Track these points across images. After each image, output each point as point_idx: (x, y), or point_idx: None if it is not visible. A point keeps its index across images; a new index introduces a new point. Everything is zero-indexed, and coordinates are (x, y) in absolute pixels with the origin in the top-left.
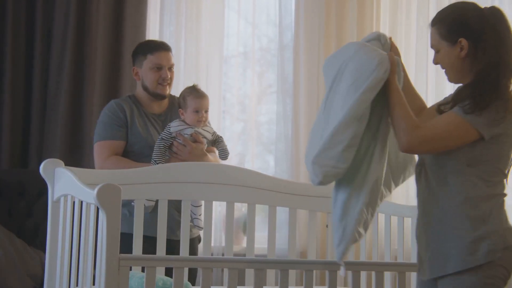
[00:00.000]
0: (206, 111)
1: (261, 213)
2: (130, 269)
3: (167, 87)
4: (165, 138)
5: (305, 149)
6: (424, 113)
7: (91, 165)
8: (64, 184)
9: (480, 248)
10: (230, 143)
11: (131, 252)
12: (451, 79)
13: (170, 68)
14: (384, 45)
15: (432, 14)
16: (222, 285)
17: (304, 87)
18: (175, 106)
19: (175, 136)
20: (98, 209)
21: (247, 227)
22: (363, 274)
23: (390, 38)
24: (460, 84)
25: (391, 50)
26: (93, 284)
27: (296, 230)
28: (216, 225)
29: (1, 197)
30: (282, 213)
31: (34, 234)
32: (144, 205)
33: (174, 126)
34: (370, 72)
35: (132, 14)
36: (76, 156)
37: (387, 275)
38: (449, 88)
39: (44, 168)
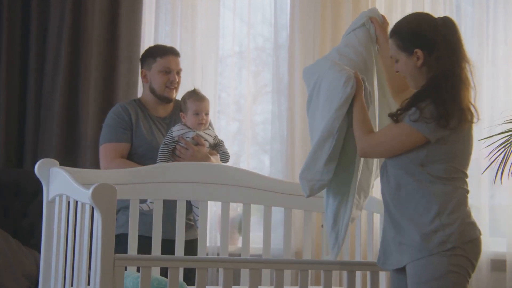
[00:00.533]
0: (207, 114)
1: (256, 213)
2: (125, 269)
3: (174, 91)
4: (168, 143)
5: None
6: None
7: (86, 165)
8: (59, 184)
9: (433, 239)
10: (225, 143)
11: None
12: (411, 86)
13: (178, 73)
14: (370, 29)
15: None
16: (217, 285)
17: (299, 86)
18: (180, 110)
19: (177, 140)
20: (93, 209)
21: (242, 227)
22: (358, 274)
23: (383, 16)
24: None
25: (380, 28)
26: (88, 284)
27: (291, 230)
28: (211, 225)
29: None
30: (277, 213)
31: (29, 234)
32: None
33: (176, 130)
34: (339, 90)
35: (127, 14)
36: (71, 156)
37: (382, 275)
38: None
39: (39, 168)
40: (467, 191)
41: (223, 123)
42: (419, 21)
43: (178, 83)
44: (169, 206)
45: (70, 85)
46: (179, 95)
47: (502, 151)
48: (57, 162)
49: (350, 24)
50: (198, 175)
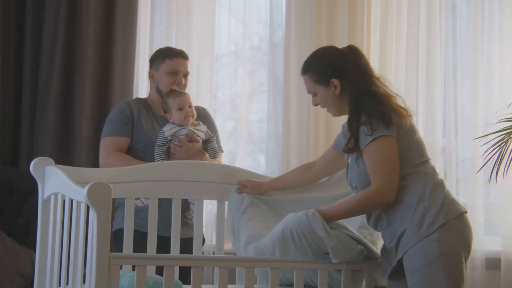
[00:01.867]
0: (190, 106)
1: None
2: (121, 268)
3: None
4: (161, 144)
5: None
6: (325, 155)
7: (81, 164)
8: (55, 182)
9: (423, 225)
10: (221, 142)
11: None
12: (334, 115)
13: (185, 75)
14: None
15: (423, 13)
16: (212, 283)
17: (295, 85)
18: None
19: (170, 139)
20: (88, 207)
21: None
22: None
23: None
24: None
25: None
26: (84, 282)
27: None
28: (207, 223)
29: None
30: None
31: (25, 232)
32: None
33: (168, 129)
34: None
35: (122, 13)
36: (67, 154)
37: None
38: (440, 87)
39: (34, 166)
40: (437, 172)
41: (218, 122)
42: (328, 54)
43: (185, 85)
44: (165, 204)
45: (65, 84)
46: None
47: (497, 150)
48: (52, 161)
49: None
50: (193, 173)
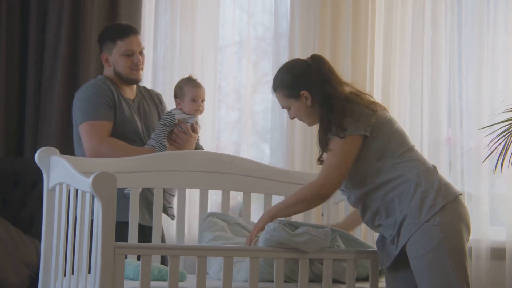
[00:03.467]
0: (203, 101)
1: (256, 201)
2: (126, 258)
3: (140, 71)
4: (168, 124)
5: None
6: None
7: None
8: (59, 172)
9: (423, 208)
10: (225, 132)
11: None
12: (310, 124)
13: (141, 52)
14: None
15: (428, 3)
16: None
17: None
18: (143, 95)
19: (177, 123)
20: (93, 197)
21: (243, 215)
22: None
23: None
24: None
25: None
26: (89, 272)
27: (292, 219)
28: None
29: None
30: (277, 201)
31: (29, 222)
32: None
33: (178, 113)
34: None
35: (127, 3)
36: (71, 144)
37: None
38: (445, 77)
39: (39, 156)
40: (425, 159)
41: (222, 113)
42: (293, 68)
43: (143, 63)
44: (148, 193)
45: (69, 74)
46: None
47: (503, 140)
48: (57, 151)
49: None
50: (198, 164)
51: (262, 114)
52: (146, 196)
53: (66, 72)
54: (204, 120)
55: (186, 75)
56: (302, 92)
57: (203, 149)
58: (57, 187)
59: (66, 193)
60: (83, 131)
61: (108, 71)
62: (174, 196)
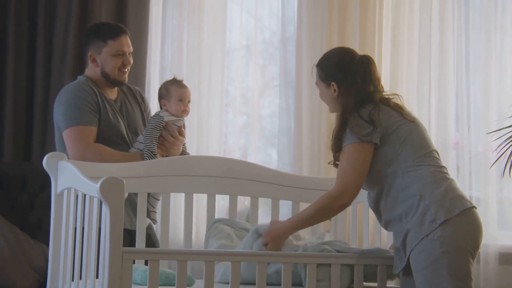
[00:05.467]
0: (189, 102)
1: (264, 206)
2: (134, 262)
3: (126, 73)
4: (158, 128)
5: None
6: None
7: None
8: (67, 177)
9: (425, 222)
10: (232, 137)
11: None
12: (331, 111)
13: (130, 54)
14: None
15: (436, 6)
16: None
17: (307, 80)
18: (125, 94)
19: (164, 126)
20: (101, 202)
21: (250, 220)
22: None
23: None
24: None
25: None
26: (97, 277)
27: None
28: None
29: (4, 190)
30: (285, 206)
31: (37, 227)
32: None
33: (166, 115)
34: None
35: (134, 8)
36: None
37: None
38: (452, 81)
39: (47, 161)
40: (441, 167)
41: (230, 117)
42: (339, 57)
43: (130, 64)
44: (134, 197)
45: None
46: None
47: (511, 145)
48: (65, 156)
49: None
50: (205, 168)
51: (269, 118)
52: (133, 200)
53: (74, 77)
54: (212, 124)
55: (197, 82)
56: (333, 83)
57: (189, 154)
58: (65, 192)
59: (74, 198)
60: (67, 137)
61: (91, 71)
62: (158, 200)
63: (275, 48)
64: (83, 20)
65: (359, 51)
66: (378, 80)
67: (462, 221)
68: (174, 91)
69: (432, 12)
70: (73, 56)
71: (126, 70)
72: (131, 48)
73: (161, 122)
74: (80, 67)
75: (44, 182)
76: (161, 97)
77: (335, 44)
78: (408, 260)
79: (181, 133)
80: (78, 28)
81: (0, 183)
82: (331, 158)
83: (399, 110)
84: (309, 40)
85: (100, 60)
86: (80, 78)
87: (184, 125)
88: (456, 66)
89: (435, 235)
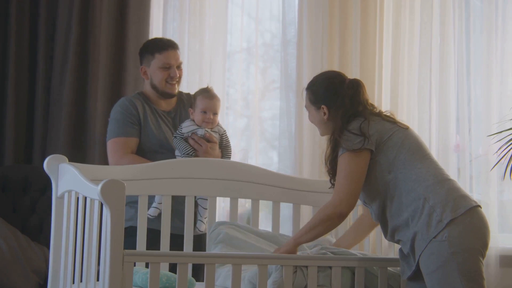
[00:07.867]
0: (215, 114)
1: (264, 208)
2: (134, 265)
3: (176, 85)
4: (178, 138)
5: None
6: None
7: (95, 161)
8: (68, 180)
9: (431, 224)
10: (233, 139)
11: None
12: (321, 134)
13: (179, 67)
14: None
15: (436, 9)
16: None
17: (307, 82)
18: (184, 102)
19: (187, 137)
20: (102, 205)
21: (251, 222)
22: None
23: None
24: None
25: None
26: (98, 280)
27: (300, 226)
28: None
29: (5, 193)
30: (286, 208)
31: (38, 230)
32: (151, 214)
33: (186, 126)
34: None
35: (135, 10)
36: (80, 152)
37: None
38: (453, 84)
39: (48, 164)
40: (441, 168)
41: (231, 119)
42: (328, 81)
43: (180, 77)
44: (178, 201)
45: (78, 82)
46: (183, 88)
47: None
48: (66, 158)
49: None
50: (206, 171)
51: (270, 121)
52: (177, 206)
53: (75, 80)
54: None
55: (200, 84)
56: (323, 106)
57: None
58: (66, 195)
59: (74, 200)
60: (108, 148)
61: (146, 85)
62: (206, 209)
63: (275, 51)
64: (84, 23)
65: (360, 54)
66: (367, 101)
67: (468, 220)
68: (199, 101)
69: (433, 14)
70: (74, 58)
71: (174, 82)
72: (180, 61)
73: (181, 135)
74: (81, 69)
75: (45, 185)
76: (190, 105)
77: (336, 47)
78: (417, 265)
79: (210, 139)
80: (79, 32)
81: (1, 186)
82: None
83: (391, 120)
84: (310, 42)
85: (149, 73)
86: (133, 94)
87: (209, 131)
88: (457, 68)
89: (443, 236)
